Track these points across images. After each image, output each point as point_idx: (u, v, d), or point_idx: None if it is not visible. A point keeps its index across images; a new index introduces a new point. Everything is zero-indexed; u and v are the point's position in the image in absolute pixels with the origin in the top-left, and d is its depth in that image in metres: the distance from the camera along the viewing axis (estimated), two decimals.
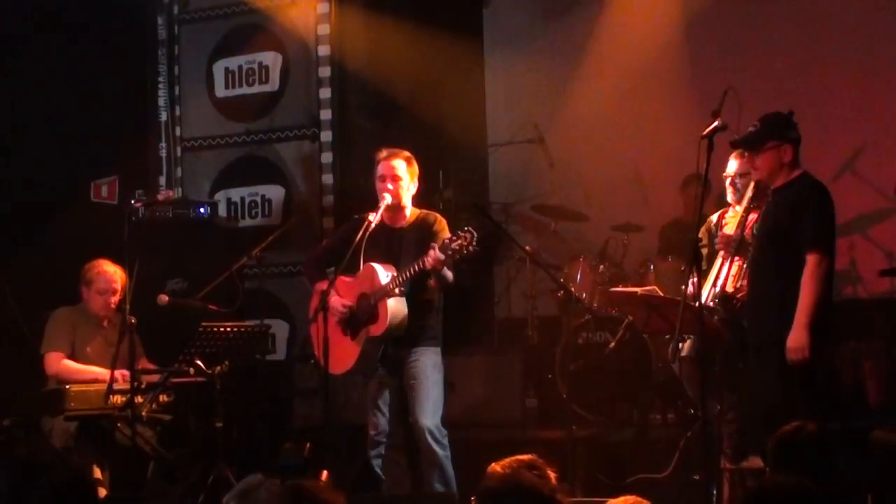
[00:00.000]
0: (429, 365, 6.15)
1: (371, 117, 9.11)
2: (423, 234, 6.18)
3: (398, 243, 6.21)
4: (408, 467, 6.30)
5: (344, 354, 6.18)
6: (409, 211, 6.31)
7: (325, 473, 5.78)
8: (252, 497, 3.65)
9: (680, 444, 6.55)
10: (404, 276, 6.02)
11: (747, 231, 5.98)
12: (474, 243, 5.76)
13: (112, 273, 6.84)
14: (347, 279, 6.22)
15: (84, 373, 6.71)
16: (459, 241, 5.75)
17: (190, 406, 6.82)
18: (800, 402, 5.42)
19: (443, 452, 6.06)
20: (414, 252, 6.09)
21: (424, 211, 6.35)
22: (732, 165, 6.19)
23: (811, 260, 5.49)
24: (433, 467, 6.06)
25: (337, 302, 6.18)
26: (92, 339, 6.90)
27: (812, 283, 5.48)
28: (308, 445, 6.04)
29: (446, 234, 6.07)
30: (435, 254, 5.83)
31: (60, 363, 6.77)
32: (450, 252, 5.78)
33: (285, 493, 3.47)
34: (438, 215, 6.33)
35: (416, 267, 5.96)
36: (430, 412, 6.08)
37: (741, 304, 5.88)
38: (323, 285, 6.17)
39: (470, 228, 5.79)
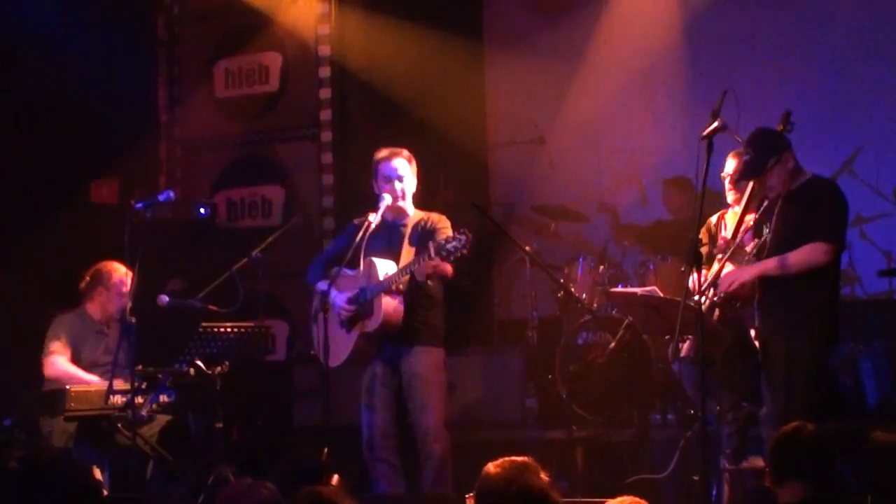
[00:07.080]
0: (429, 364, 6.12)
1: (371, 117, 9.11)
2: (424, 233, 6.14)
3: (399, 240, 6.17)
4: (404, 467, 6.28)
5: (339, 347, 6.14)
6: (412, 209, 6.29)
7: (335, 477, 5.78)
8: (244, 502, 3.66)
9: (680, 444, 6.54)
10: (399, 276, 6.00)
11: (743, 233, 5.95)
12: (468, 246, 5.70)
13: (126, 275, 6.84)
14: (350, 272, 6.17)
15: (84, 379, 6.71)
16: (454, 244, 5.69)
17: (190, 406, 6.82)
18: (815, 404, 5.42)
19: (442, 454, 6.04)
20: (413, 252, 6.07)
21: (427, 212, 6.31)
22: (731, 164, 6.16)
23: (818, 243, 5.50)
24: (431, 468, 6.04)
25: (339, 299, 6.13)
26: (95, 347, 6.90)
27: (802, 254, 5.50)
28: (326, 450, 6.03)
29: (447, 234, 6.01)
30: (421, 267, 5.82)
31: (60, 369, 6.76)
32: (444, 253, 5.73)
33: (305, 500, 3.49)
34: (442, 216, 6.27)
35: (407, 273, 5.95)
36: (430, 413, 6.06)
37: (741, 304, 5.86)
38: (323, 286, 6.17)
39: (465, 230, 5.74)
